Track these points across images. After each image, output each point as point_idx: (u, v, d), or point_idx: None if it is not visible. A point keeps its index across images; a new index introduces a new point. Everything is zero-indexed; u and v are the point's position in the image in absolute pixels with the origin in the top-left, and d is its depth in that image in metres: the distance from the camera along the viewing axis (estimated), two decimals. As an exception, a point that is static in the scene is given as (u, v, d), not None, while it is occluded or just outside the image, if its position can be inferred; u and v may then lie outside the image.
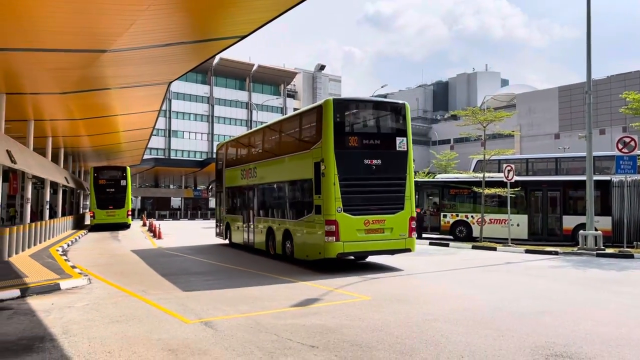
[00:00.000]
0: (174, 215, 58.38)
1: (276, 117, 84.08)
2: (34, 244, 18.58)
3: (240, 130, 79.54)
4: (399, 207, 13.21)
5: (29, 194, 19.09)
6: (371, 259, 15.26)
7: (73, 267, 13.03)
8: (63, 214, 30.75)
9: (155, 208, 59.21)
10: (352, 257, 14.48)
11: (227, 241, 20.93)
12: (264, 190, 16.82)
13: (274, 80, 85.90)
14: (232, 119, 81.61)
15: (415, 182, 24.88)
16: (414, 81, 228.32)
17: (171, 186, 73.69)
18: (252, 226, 17.72)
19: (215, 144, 77.20)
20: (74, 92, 14.28)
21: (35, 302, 8.90)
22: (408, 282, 10.92)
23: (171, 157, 74.10)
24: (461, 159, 53.29)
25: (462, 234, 22.19)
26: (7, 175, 24.81)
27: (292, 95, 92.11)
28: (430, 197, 24.88)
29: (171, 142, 76.29)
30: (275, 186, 15.90)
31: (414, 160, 13.72)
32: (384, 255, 14.20)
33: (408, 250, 13.38)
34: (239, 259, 15.87)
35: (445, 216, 22.67)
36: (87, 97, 15.38)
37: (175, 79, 14.41)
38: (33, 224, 18.69)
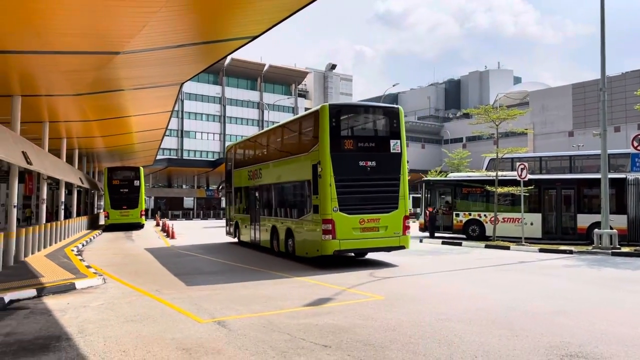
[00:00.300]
0: (186, 215, 58.75)
1: (287, 117, 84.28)
2: (50, 244, 18.81)
3: (251, 130, 79.83)
4: (393, 206, 13.91)
5: (44, 194, 19.32)
6: (381, 258, 15.24)
7: (88, 266, 13.18)
8: (78, 215, 31.08)
9: (168, 208, 59.61)
10: (353, 254, 15.34)
11: (236, 239, 21.75)
12: (268, 191, 17.70)
13: (285, 80, 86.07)
14: (244, 119, 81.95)
15: (427, 181, 24.89)
16: (426, 79, 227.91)
17: (184, 186, 74.17)
18: (258, 225, 18.57)
19: (227, 144, 77.51)
20: (87, 94, 14.41)
21: (51, 302, 9.02)
22: (421, 282, 10.88)
23: (184, 158, 74.60)
24: (474, 157, 52.91)
25: (475, 233, 22.06)
26: (23, 176, 25.10)
27: (304, 94, 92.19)
28: (443, 196, 24.78)
29: (184, 143, 76.80)
30: (278, 187, 16.80)
31: (406, 162, 14.68)
32: (381, 252, 14.94)
33: (402, 247, 14.03)
34: (248, 257, 16.15)
35: (457, 215, 22.57)
36: (100, 99, 15.52)
37: (188, 80, 14.48)
38: (48, 225, 18.92)
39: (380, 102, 61.06)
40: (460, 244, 20.18)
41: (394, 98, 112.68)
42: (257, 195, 18.82)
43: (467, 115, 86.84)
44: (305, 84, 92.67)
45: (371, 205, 13.72)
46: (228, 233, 22.80)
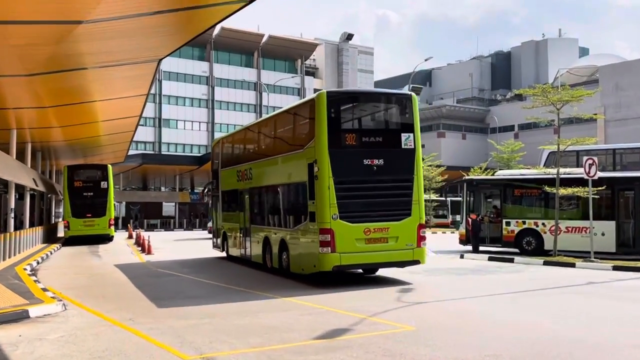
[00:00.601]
0: (166, 224, 59.18)
1: (292, 101, 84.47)
2: (-3, 262, 19.02)
3: (246, 118, 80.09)
4: (406, 213, 14.15)
5: (-10, 199, 19.58)
6: (406, 277, 15.24)
7: (44, 289, 13.31)
8: (31, 225, 31.42)
9: (144, 216, 60.06)
10: (361, 271, 16.02)
11: (224, 254, 22.36)
12: (259, 195, 18.23)
13: (288, 54, 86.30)
14: (237, 103, 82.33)
15: (470, 180, 24.88)
16: (467, 52, 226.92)
17: (163, 189, 74.67)
18: (249, 236, 19.00)
19: (217, 134, 77.95)
20: (43, 74, 14.56)
21: (-1, 333, 9.12)
22: (461, 308, 10.86)
23: (162, 153, 75.07)
24: (528, 150, 52.57)
25: (530, 246, 21.98)
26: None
27: (312, 72, 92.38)
28: (489, 200, 24.67)
29: (162, 134, 77.33)
30: (271, 190, 17.27)
31: (421, 159, 15.13)
32: (400, 268, 15.57)
33: (417, 262, 14.36)
34: (241, 275, 16.48)
35: (508, 224, 22.51)
36: (59, 80, 15.67)
37: (167, 55, 14.56)
38: (-5, 237, 19.14)
39: (409, 80, 61.00)
40: (511, 260, 20.14)
41: (426, 76, 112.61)
42: (247, 200, 19.15)
43: (519, 97, 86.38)
44: (314, 59, 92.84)
45: (378, 211, 13.98)
46: (215, 246, 23.40)
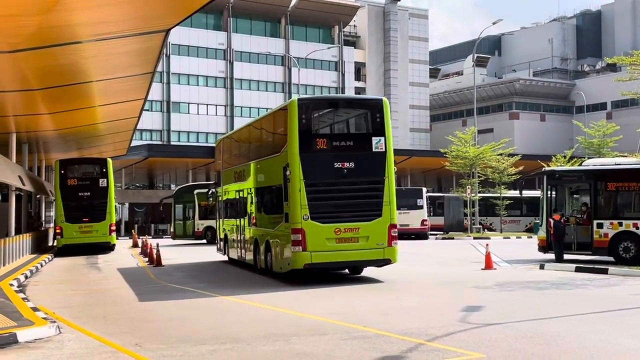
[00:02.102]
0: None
1: (327, 77, 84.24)
2: (-21, 276, 19.51)
3: (272, 99, 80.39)
4: (376, 213, 17.59)
5: (-31, 202, 20.08)
6: (472, 294, 15.10)
7: (35, 309, 13.56)
8: (18, 232, 32.12)
9: (151, 220, 60.85)
10: (347, 271, 19.97)
11: (226, 257, 25.84)
12: (251, 197, 21.76)
13: (323, 20, 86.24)
14: (261, 82, 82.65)
15: (551, 172, 24.58)
16: (546, 13, 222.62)
17: (173, 186, 75.54)
18: (243, 238, 22.74)
19: (237, 120, 78.54)
20: (29, 50, 14.85)
21: (-17, 361, 9.35)
22: (542, 331, 10.73)
23: (172, 143, 75.84)
24: (625, 133, 51.66)
25: (628, 253, 21.65)
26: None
27: (353, 42, 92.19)
28: (576, 196, 24.33)
29: (171, 120, 78.16)
30: (258, 192, 21.07)
31: (393, 162, 18.21)
32: (362, 266, 19.25)
33: (388, 261, 17.96)
34: (264, 288, 17.12)
35: (600, 226, 22.16)
36: (48, 57, 15.97)
37: (176, 25, 14.71)
38: (-24, 247, 19.62)
39: (473, 49, 60.41)
40: (604, 272, 19.82)
41: (495, 43, 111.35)
42: (242, 202, 22.89)
43: (612, 68, 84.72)
44: (354, 26, 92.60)
45: (349, 212, 17.52)
46: (218, 249, 27.33)
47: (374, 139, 17.96)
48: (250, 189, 21.82)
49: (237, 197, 23.75)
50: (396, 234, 17.94)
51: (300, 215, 17.11)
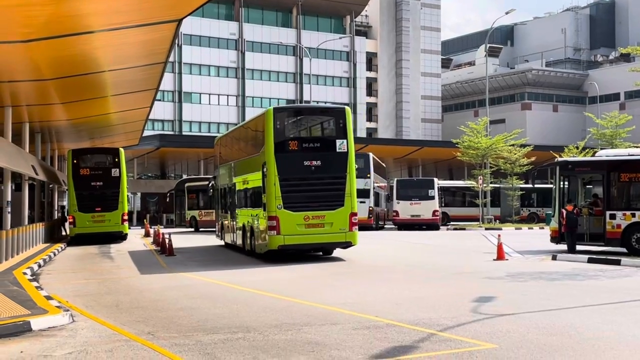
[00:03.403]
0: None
1: (339, 67, 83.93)
2: (-7, 265, 19.66)
3: (284, 89, 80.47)
4: (339, 203, 21.31)
5: (-17, 191, 20.20)
6: (484, 286, 15.10)
7: (48, 297, 13.69)
8: (31, 220, 32.33)
9: (162, 210, 61.06)
10: (321, 253, 23.47)
11: (222, 242, 29.95)
12: (239, 190, 25.79)
13: (335, 10, 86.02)
14: (273, 72, 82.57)
15: (564, 162, 24.49)
16: (559, 2, 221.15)
17: (184, 176, 75.72)
18: (234, 225, 26.75)
19: (248, 110, 78.54)
20: (41, 39, 14.90)
21: (-3, 349, 9.43)
22: (554, 321, 10.69)
23: (184, 133, 76.01)
24: (638, 124, 51.37)
25: (641, 244, 21.54)
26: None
27: (364, 32, 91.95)
28: (588, 186, 24.20)
29: (183, 110, 78.29)
30: (244, 186, 24.96)
31: (354, 160, 21.95)
32: (327, 247, 22.76)
33: (349, 243, 21.77)
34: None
35: (613, 217, 22.05)
36: (60, 47, 16.01)
37: (188, 15, 14.70)
38: (-10, 236, 19.76)
39: (486, 39, 60.12)
40: (617, 263, 19.77)
41: (508, 33, 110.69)
42: (232, 193, 27.02)
43: (626, 58, 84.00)
44: (366, 15, 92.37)
45: (316, 202, 21.17)
46: (217, 236, 31.61)
47: (338, 141, 21.63)
48: (238, 183, 25.94)
49: (229, 189, 27.91)
50: (356, 221, 21.67)
51: (275, 204, 20.82)
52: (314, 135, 23.51)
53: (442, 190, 49.65)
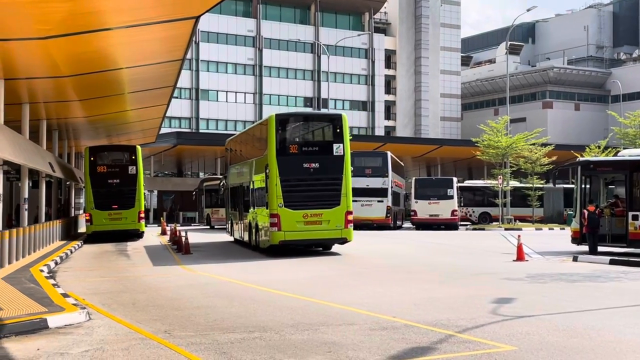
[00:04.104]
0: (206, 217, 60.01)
1: (356, 64, 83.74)
2: (9, 262, 19.82)
3: (302, 87, 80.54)
4: (335, 202, 22.99)
5: (0, 188, 20.36)
6: (502, 285, 15.05)
7: (65, 295, 13.79)
8: (47, 218, 32.57)
9: (179, 207, 61.31)
10: (321, 248, 25.34)
11: (232, 238, 31.93)
12: (247, 189, 27.52)
13: (353, 6, 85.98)
14: (291, 69, 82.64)
15: (586, 162, 24.37)
16: (581, 0, 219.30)
17: (202, 174, 75.96)
18: (241, 222, 28.86)
19: (266, 108, 78.69)
20: (59, 36, 14.99)
21: (14, 347, 9.50)
22: (574, 324, 10.64)
23: (200, 131, 76.28)
24: (662, 123, 50.83)
25: (664, 246, 21.36)
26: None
27: (383, 29, 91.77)
28: (611, 186, 24.04)
29: (200, 108, 78.57)
30: (250, 185, 26.70)
31: (350, 163, 23.74)
32: (325, 243, 24.67)
33: (345, 239, 23.45)
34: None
35: (635, 217, 21.94)
36: (78, 43, 16.10)
37: (206, 12, 14.74)
38: (7, 233, 19.93)
39: (506, 36, 59.81)
40: (639, 264, 19.65)
41: (529, 30, 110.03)
42: (240, 192, 29.13)
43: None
44: (385, 12, 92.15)
45: (314, 201, 22.88)
46: (227, 232, 33.70)
47: (335, 145, 23.42)
48: (245, 182, 27.81)
49: (237, 189, 30.06)
50: (352, 219, 23.38)
51: (277, 203, 22.62)
52: (313, 139, 25.57)
53: (482, 189, 49.73)
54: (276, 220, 22.56)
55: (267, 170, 23.11)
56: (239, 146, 30.96)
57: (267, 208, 23.16)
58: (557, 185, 45.43)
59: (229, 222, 32.99)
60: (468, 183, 54.58)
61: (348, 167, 23.31)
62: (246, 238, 27.55)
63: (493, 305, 12.52)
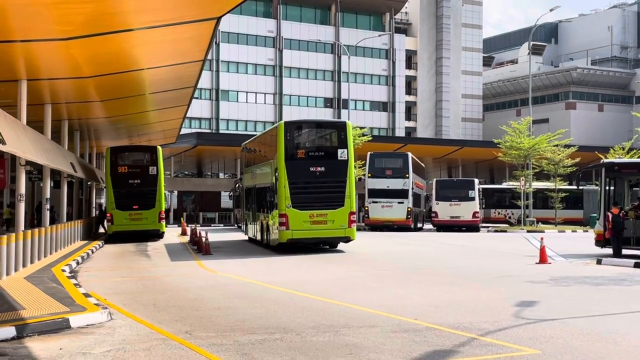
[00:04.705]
0: (225, 218, 60.22)
1: (377, 65, 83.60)
2: (31, 262, 20.03)
3: (322, 87, 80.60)
4: (340, 204, 24.80)
5: (22, 188, 20.55)
6: (523, 288, 14.98)
7: (86, 295, 13.94)
8: (69, 218, 32.85)
9: (199, 208, 61.56)
10: (327, 246, 27.09)
11: (247, 237, 33.83)
12: (258, 191, 29.93)
13: (373, 7, 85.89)
14: (311, 70, 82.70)
15: (610, 164, 24.23)
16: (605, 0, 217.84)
17: (221, 175, 76.31)
18: (254, 222, 30.76)
19: (286, 108, 78.82)
20: (81, 37, 15.10)
21: (37, 346, 9.62)
22: (599, 328, 10.57)
23: (220, 132, 76.55)
24: (688, 124, 50.31)
25: (690, 249, 21.15)
26: (-8, 160, 26.72)
27: (404, 29, 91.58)
28: (635, 188, 23.87)
29: (220, 108, 78.86)
30: (262, 187, 28.81)
31: (353, 167, 25.79)
32: (329, 241, 26.39)
33: (348, 238, 25.23)
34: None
35: (661, 220, 21.67)
36: (100, 44, 16.22)
37: (227, 12, 14.78)
38: (29, 233, 20.12)
39: (529, 36, 59.53)
40: (665, 267, 19.55)
41: (552, 30, 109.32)
42: (254, 194, 31.00)
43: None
44: (406, 12, 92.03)
45: (320, 202, 24.66)
46: (241, 231, 36.09)
47: (339, 151, 25.31)
48: (256, 185, 30.15)
49: (251, 190, 32.09)
50: (355, 219, 25.28)
51: (285, 204, 24.38)
52: (319, 145, 27.30)
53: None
54: (284, 219, 24.34)
55: (277, 174, 24.86)
56: (252, 150, 32.72)
57: (276, 209, 24.89)
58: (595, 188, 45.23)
59: (244, 221, 35.09)
60: (506, 185, 54.05)
61: (352, 171, 25.22)
62: (259, 237, 29.34)
63: (516, 308, 12.46)
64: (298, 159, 25.03)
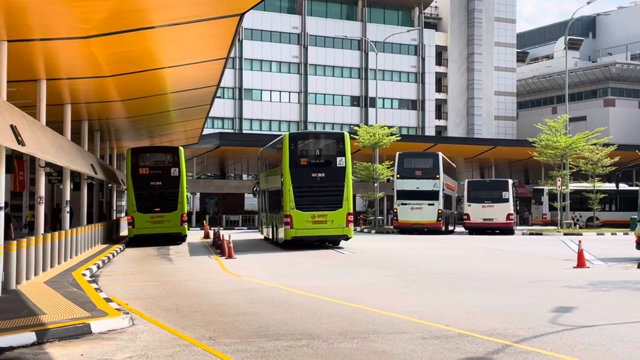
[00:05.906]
0: (249, 221, 60.37)
1: (406, 62, 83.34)
2: (52, 266, 20.27)
3: (348, 85, 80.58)
4: (338, 205, 28.76)
5: (42, 190, 20.79)
6: (556, 292, 14.84)
7: (108, 300, 14.07)
8: (89, 221, 33.15)
9: (222, 211, 61.79)
10: (332, 244, 31.07)
11: (263, 237, 37.80)
12: (270, 194, 34.36)
13: (402, 1, 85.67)
14: (337, 67, 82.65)
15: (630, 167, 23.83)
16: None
17: (245, 177, 76.51)
18: (268, 222, 35.12)
19: (311, 107, 78.85)
20: (101, 35, 15.24)
21: (57, 352, 9.72)
22: (637, 333, 10.45)
23: (244, 132, 76.74)
24: None
25: None
26: (11, 162, 26.99)
27: (434, 24, 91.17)
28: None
29: (244, 108, 79.09)
30: (272, 191, 33.31)
31: (351, 173, 30.04)
32: (330, 239, 30.49)
33: (346, 236, 29.36)
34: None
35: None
36: (121, 43, 16.35)
37: (251, 8, 14.84)
38: (49, 236, 20.36)
39: (565, 31, 58.95)
40: None
41: (589, 24, 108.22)
42: (268, 196, 35.19)
43: None
44: (436, 7, 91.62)
45: (321, 204, 28.64)
46: (259, 231, 40.17)
47: (338, 159, 29.40)
48: (268, 188, 34.56)
49: (265, 193, 36.46)
50: (352, 219, 29.52)
51: (289, 206, 28.45)
52: (319, 154, 31.66)
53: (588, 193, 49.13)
54: (289, 219, 28.52)
55: (282, 179, 29.03)
56: (265, 157, 37.39)
57: (281, 210, 29.18)
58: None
59: (260, 221, 40.13)
60: (574, 186, 53.22)
61: (349, 176, 29.39)
62: (270, 236, 33.84)
63: (552, 314, 12.36)
64: (301, 166, 29.21)
